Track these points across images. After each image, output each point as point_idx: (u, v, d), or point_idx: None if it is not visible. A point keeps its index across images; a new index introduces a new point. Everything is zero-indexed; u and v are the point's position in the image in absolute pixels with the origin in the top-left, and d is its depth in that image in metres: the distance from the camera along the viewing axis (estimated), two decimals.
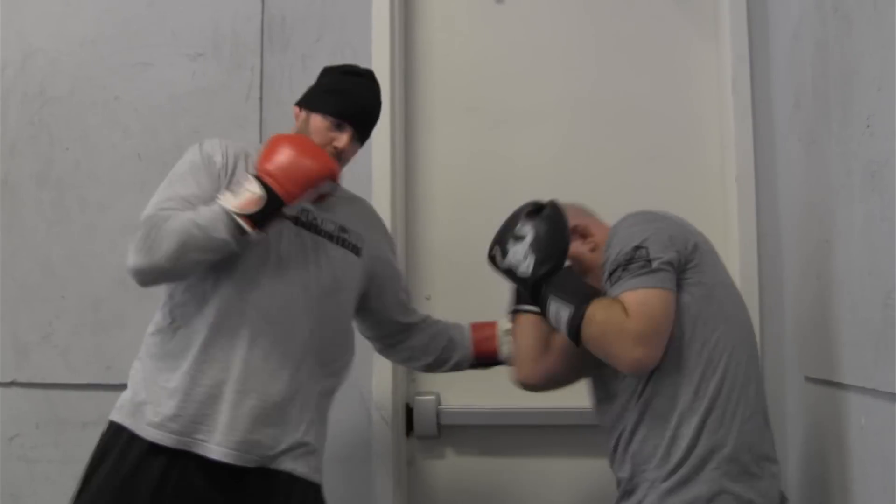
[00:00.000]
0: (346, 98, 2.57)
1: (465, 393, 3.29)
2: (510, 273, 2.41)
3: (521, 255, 2.36)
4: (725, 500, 2.17)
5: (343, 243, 2.61)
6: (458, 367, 2.84)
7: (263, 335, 2.42)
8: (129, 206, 3.30)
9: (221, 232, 2.30)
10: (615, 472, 2.41)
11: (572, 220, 2.47)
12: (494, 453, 3.30)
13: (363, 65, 3.28)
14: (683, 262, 2.26)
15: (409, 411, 3.29)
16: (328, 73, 2.68)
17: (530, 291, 2.36)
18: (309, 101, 2.60)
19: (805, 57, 2.76)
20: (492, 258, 2.47)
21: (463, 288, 3.30)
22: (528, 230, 2.38)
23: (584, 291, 2.28)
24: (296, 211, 2.48)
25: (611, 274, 2.25)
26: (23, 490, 3.28)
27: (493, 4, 3.41)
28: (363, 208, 2.81)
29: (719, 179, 3.26)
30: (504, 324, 2.75)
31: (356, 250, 2.64)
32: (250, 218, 2.31)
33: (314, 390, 2.54)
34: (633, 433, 2.32)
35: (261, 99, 3.33)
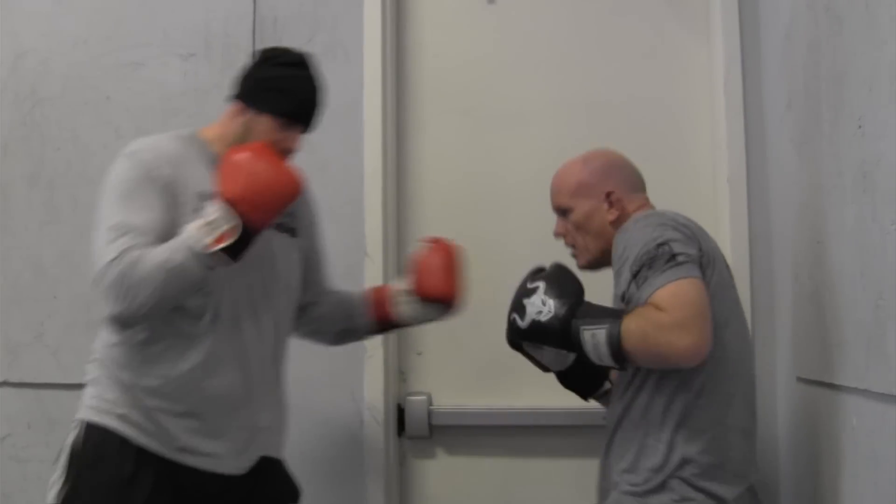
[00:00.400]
0: (296, 97, 2.49)
1: (456, 393, 3.29)
2: (536, 328, 2.30)
3: (540, 303, 2.30)
4: None
5: (283, 228, 2.57)
6: (361, 334, 2.83)
7: (245, 342, 2.44)
8: None
9: (196, 272, 2.24)
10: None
11: (608, 186, 2.53)
12: (486, 454, 3.30)
13: (355, 65, 3.30)
14: (703, 261, 2.26)
15: (401, 412, 3.29)
16: (268, 64, 2.54)
17: (560, 334, 2.27)
18: (254, 100, 2.47)
19: (797, 57, 2.76)
20: (513, 327, 2.37)
21: None
22: (538, 282, 2.35)
23: (612, 312, 2.25)
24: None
25: (635, 274, 2.21)
26: (14, 490, 3.27)
27: (485, 5, 3.41)
28: None
29: (711, 180, 3.26)
30: (398, 284, 2.74)
31: (293, 232, 2.62)
32: (225, 251, 2.22)
33: (278, 372, 2.59)
34: (612, 437, 2.37)
35: None
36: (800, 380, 2.80)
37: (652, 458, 2.25)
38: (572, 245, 2.59)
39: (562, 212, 2.59)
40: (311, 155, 3.26)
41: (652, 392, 2.29)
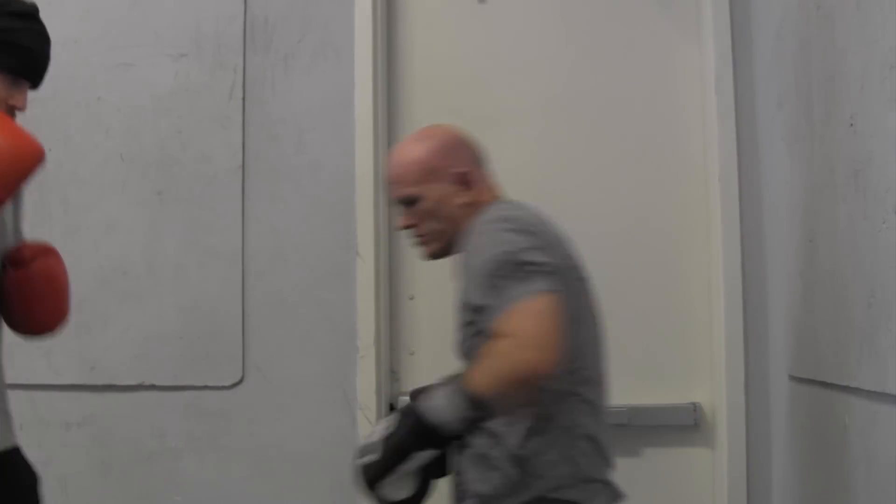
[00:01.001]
0: (25, 51, 2.25)
1: None
2: (389, 442, 2.02)
3: (381, 429, 2.06)
4: None
5: None
6: None
7: None
8: (112, 206, 3.30)
9: None
10: None
11: (458, 166, 2.33)
12: None
13: (345, 65, 3.29)
14: (554, 268, 2.09)
15: (393, 411, 3.28)
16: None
17: (417, 427, 2.01)
18: None
19: (788, 56, 2.76)
20: (369, 468, 2.05)
21: (445, 288, 3.29)
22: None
23: (447, 381, 2.04)
24: None
25: (488, 286, 2.05)
26: None
27: (476, 4, 3.41)
28: None
29: (703, 179, 3.26)
30: None
31: None
32: None
33: None
34: (466, 445, 2.21)
35: (243, 99, 3.31)
36: (792, 378, 2.81)
37: (502, 470, 2.16)
38: (420, 235, 2.37)
39: (408, 202, 2.33)
40: (303, 155, 3.28)
41: None
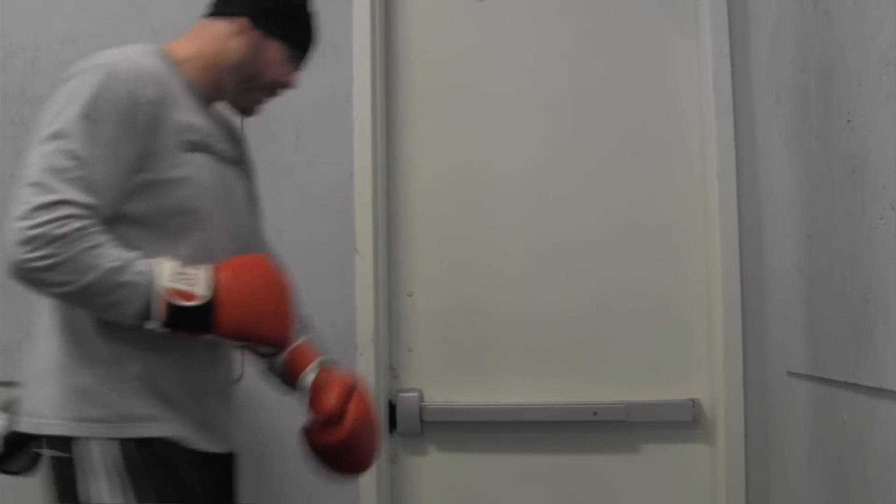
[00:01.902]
0: (310, 35, 2.32)
1: (447, 390, 3.29)
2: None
3: None
4: None
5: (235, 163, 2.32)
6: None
7: None
8: None
9: (131, 306, 1.91)
10: None
11: None
12: (477, 450, 3.30)
13: (344, 63, 3.30)
14: None
15: (392, 408, 3.29)
16: None
17: None
18: (268, 21, 2.22)
19: (785, 52, 2.76)
20: None
21: (444, 285, 3.30)
22: None
23: None
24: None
25: None
26: (5, 489, 3.26)
27: (474, 3, 3.41)
28: None
29: (700, 176, 3.26)
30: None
31: (246, 173, 2.42)
32: (173, 313, 1.91)
33: None
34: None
35: None
36: (790, 374, 2.81)
37: None
38: None
39: None
40: (301, 152, 3.28)
41: None
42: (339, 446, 2.28)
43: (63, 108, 1.96)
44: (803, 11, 2.57)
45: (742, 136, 3.17)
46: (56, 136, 1.92)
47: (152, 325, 1.92)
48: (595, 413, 3.18)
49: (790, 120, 2.73)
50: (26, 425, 2.08)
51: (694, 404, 3.17)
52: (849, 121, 2.21)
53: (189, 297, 1.92)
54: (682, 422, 3.18)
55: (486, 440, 3.29)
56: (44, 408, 2.06)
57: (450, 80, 3.42)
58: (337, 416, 2.23)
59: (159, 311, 1.91)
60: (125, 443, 2.01)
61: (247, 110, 2.34)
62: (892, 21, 1.96)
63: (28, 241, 1.86)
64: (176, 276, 1.94)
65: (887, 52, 1.98)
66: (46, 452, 2.04)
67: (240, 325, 1.99)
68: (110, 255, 1.90)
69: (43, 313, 2.12)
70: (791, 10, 2.70)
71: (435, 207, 3.35)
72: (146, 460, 2.02)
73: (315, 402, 2.25)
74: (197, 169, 2.10)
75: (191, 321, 1.93)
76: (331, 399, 2.24)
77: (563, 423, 3.21)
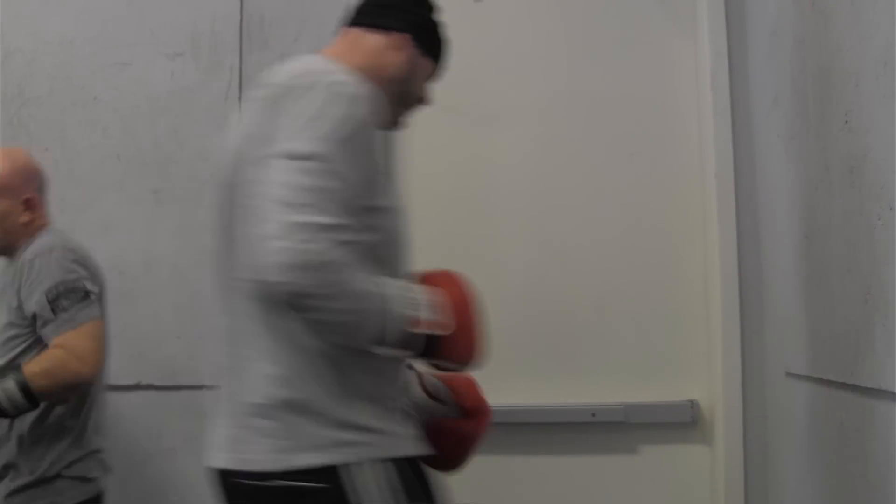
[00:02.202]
0: (446, 53, 2.30)
1: None
2: None
3: None
4: None
5: None
6: None
7: None
8: (109, 206, 3.30)
9: (373, 331, 1.79)
10: None
11: (28, 192, 2.82)
12: (482, 450, 3.30)
13: None
14: (100, 294, 2.77)
15: None
16: (431, 10, 2.27)
17: None
18: (425, 39, 2.20)
19: (783, 53, 2.76)
20: None
21: None
22: None
23: (6, 368, 2.63)
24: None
25: (52, 300, 2.62)
26: None
27: (471, 4, 3.41)
28: None
29: (699, 176, 3.26)
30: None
31: None
32: (407, 338, 1.82)
33: None
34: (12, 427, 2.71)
35: (240, 98, 3.31)
36: (789, 375, 2.81)
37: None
38: None
39: None
40: None
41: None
42: (480, 436, 2.35)
43: (311, 126, 1.83)
44: (801, 12, 2.57)
45: (740, 137, 3.17)
46: (311, 156, 1.76)
47: (384, 349, 1.82)
48: (594, 414, 3.18)
49: (788, 120, 2.73)
50: (260, 463, 1.89)
51: (692, 405, 3.17)
52: (847, 121, 2.21)
53: (418, 323, 1.83)
54: (681, 423, 3.18)
55: (485, 441, 3.29)
56: (292, 440, 1.85)
57: (447, 81, 3.37)
58: (484, 407, 2.30)
59: (396, 335, 1.81)
60: (398, 462, 1.89)
61: (394, 125, 2.25)
62: (889, 22, 1.96)
63: (305, 267, 1.65)
64: (407, 301, 1.84)
65: (884, 52, 1.98)
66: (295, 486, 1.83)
67: (460, 350, 1.94)
68: (370, 280, 1.79)
69: (259, 337, 1.89)
70: (789, 11, 2.70)
71: (433, 207, 3.34)
72: (416, 476, 1.96)
73: (460, 395, 2.28)
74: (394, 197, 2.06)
75: (417, 345, 1.85)
76: (475, 391, 2.29)
77: (562, 424, 3.21)
